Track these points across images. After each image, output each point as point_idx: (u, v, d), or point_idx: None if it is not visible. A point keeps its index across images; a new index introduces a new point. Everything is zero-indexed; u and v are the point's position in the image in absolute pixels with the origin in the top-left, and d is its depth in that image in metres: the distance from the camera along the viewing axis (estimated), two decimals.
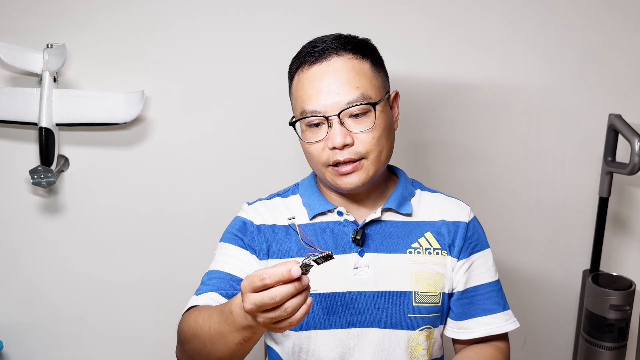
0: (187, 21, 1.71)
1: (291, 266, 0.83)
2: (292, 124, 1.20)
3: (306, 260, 0.85)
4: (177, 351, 1.16)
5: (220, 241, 1.26)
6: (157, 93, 1.72)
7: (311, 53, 1.17)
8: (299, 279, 0.84)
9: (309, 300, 0.86)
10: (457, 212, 1.26)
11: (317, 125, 1.16)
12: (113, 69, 1.71)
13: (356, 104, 1.14)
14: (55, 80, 1.66)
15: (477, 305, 1.24)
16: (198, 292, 1.18)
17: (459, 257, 1.23)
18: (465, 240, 1.24)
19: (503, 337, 1.27)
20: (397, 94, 1.24)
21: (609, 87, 1.85)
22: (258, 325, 0.89)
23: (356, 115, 1.15)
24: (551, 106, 1.85)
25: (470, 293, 1.24)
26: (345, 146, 1.14)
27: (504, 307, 1.26)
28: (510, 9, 1.79)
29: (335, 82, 1.14)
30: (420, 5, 1.76)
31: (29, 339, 1.82)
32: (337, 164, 1.16)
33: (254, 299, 0.85)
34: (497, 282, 1.27)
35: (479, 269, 1.25)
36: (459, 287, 1.24)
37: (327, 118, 1.14)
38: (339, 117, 1.13)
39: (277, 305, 0.84)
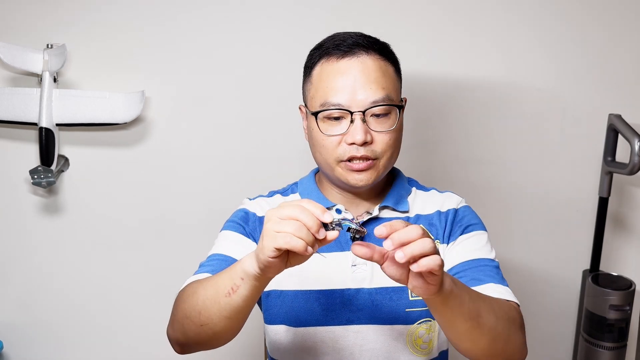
0: (188, 21, 1.71)
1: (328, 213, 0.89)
2: (315, 114, 1.17)
3: (338, 220, 0.90)
4: (167, 328, 1.12)
5: (221, 231, 1.25)
6: (157, 93, 1.73)
7: (340, 46, 1.16)
8: (324, 226, 0.89)
9: (315, 247, 0.89)
10: (449, 202, 1.27)
11: (336, 118, 1.16)
12: (113, 69, 1.71)
13: (382, 103, 1.14)
14: (55, 80, 1.66)
15: (469, 277, 1.17)
16: (196, 274, 1.16)
17: (448, 242, 1.23)
18: (454, 224, 1.24)
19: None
20: (406, 101, 1.26)
21: (609, 87, 1.85)
22: (262, 249, 0.89)
23: (377, 115, 1.15)
24: (551, 106, 1.85)
25: (461, 267, 1.19)
26: (364, 143, 1.14)
27: (501, 282, 1.17)
28: (510, 10, 1.79)
29: (363, 79, 1.14)
30: (421, 5, 1.76)
31: (29, 339, 1.82)
32: (350, 160, 1.16)
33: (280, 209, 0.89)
34: (492, 260, 1.21)
35: (470, 247, 1.21)
36: (449, 266, 1.20)
37: (351, 113, 1.14)
38: (364, 115, 1.14)
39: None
